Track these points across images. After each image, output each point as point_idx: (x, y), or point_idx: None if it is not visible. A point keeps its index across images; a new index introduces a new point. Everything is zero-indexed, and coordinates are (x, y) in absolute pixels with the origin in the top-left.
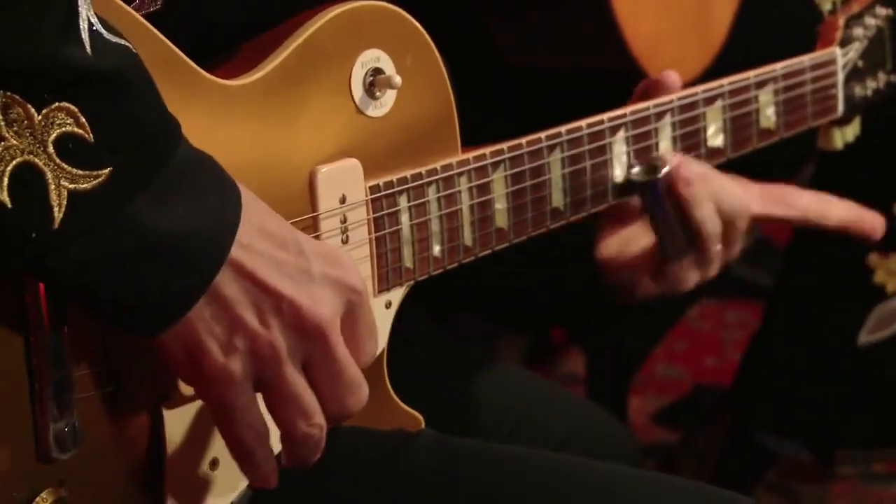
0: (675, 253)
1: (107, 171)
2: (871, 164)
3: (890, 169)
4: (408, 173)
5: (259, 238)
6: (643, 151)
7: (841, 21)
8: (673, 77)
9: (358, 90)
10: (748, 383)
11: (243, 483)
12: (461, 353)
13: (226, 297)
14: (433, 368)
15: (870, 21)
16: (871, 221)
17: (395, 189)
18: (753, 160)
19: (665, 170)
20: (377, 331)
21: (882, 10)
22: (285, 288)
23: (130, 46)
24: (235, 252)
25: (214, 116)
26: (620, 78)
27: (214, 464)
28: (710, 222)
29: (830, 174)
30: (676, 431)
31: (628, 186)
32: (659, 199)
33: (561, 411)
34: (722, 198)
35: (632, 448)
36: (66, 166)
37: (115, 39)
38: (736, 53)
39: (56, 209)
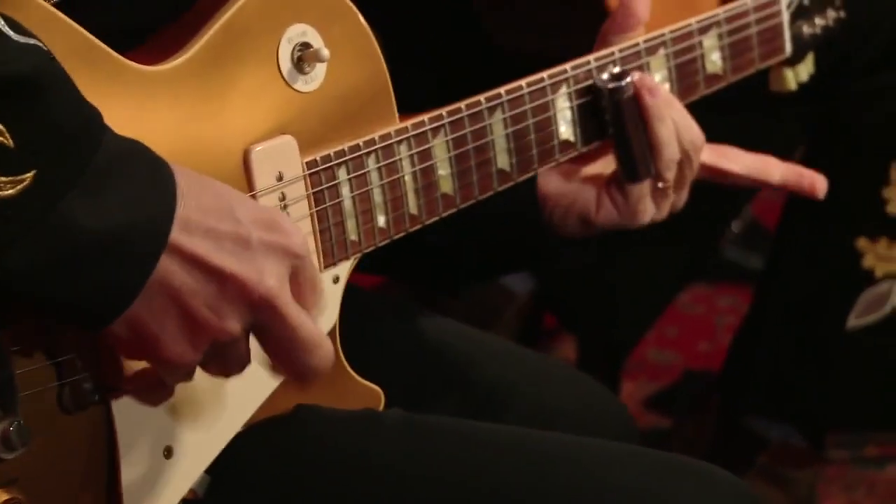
0: (635, 171)
1: (30, 175)
2: (859, 149)
3: (879, 153)
4: (345, 145)
5: (197, 216)
6: (588, 106)
7: None
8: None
9: (286, 66)
10: (738, 368)
11: (200, 469)
12: (450, 327)
13: (172, 285)
14: (420, 343)
15: None
16: (812, 179)
17: (333, 162)
18: (741, 143)
19: (629, 78)
20: (322, 285)
21: None
22: (229, 265)
23: (41, 45)
24: (174, 236)
25: (139, 103)
26: None
27: (169, 452)
28: (669, 145)
29: (820, 158)
30: (668, 417)
31: (592, 92)
32: (622, 108)
33: (552, 383)
34: (682, 125)
35: (625, 419)
36: None
37: (24, 40)
38: None
39: None
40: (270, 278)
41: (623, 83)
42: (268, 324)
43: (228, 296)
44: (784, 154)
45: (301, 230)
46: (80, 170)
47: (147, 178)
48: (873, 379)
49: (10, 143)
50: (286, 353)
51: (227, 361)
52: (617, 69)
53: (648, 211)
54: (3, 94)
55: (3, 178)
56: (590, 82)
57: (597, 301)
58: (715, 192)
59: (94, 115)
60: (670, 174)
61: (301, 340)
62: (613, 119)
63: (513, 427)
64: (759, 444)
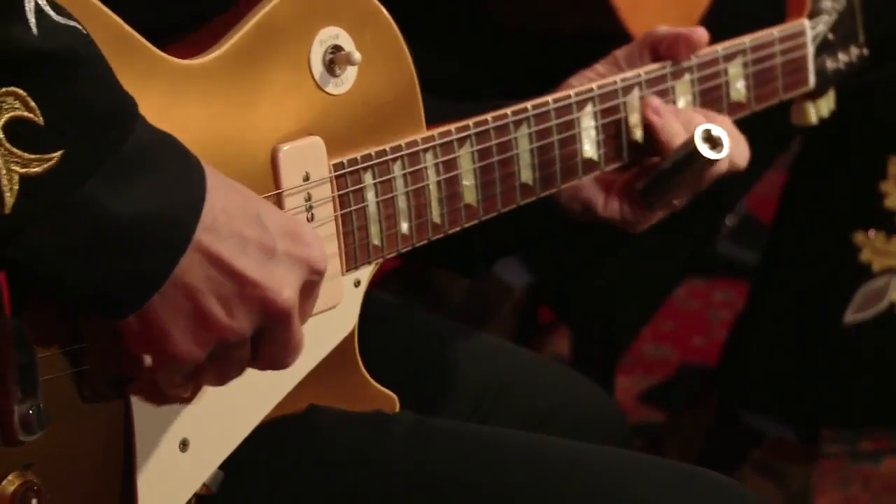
0: (654, 202)
1: (58, 154)
2: (857, 142)
3: (877, 147)
4: (372, 150)
5: (223, 217)
6: (611, 126)
7: None
8: (699, 33)
9: (318, 68)
10: (734, 363)
11: (215, 464)
12: (443, 327)
13: (189, 282)
14: (413, 343)
15: None
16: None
17: (360, 166)
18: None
19: (724, 152)
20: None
21: None
22: (249, 270)
23: (80, 27)
24: (199, 233)
25: (171, 96)
26: (606, 40)
27: (185, 445)
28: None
29: (817, 152)
30: (663, 411)
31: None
32: (692, 165)
33: (545, 382)
34: None
35: (617, 419)
36: (16, 150)
37: (63, 20)
38: (719, 18)
39: (7, 194)
40: (289, 290)
41: (713, 155)
42: (274, 330)
43: (245, 299)
44: (780, 147)
45: (324, 243)
46: (108, 154)
47: (177, 171)
48: (870, 374)
49: (41, 119)
50: (277, 355)
51: (228, 364)
52: (716, 132)
53: (650, 223)
54: (37, 71)
55: (31, 156)
56: (660, 87)
57: (594, 296)
58: (710, 186)
59: (128, 102)
60: (682, 202)
61: (292, 347)
62: (675, 163)
63: (522, 432)
64: (755, 438)
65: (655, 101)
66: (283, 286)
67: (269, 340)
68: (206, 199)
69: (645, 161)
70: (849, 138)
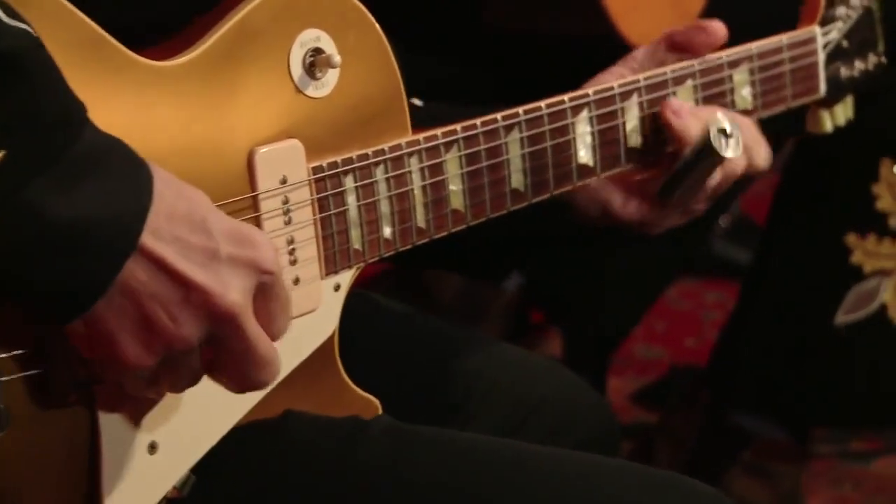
0: (671, 197)
1: (0, 154)
2: (849, 145)
3: (869, 149)
4: (353, 154)
5: (168, 223)
6: (608, 131)
7: (822, 1)
8: (716, 25)
9: (297, 70)
10: (725, 363)
11: (185, 468)
12: (431, 325)
13: (134, 288)
14: (401, 342)
15: (855, 1)
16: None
17: (340, 169)
18: None
19: (737, 152)
20: (290, 305)
21: None
22: (194, 275)
23: (31, 30)
24: (144, 238)
25: (145, 98)
26: (599, 42)
27: (153, 447)
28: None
29: (810, 154)
30: (655, 412)
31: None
32: (702, 158)
33: (532, 377)
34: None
35: (604, 413)
36: None
37: (13, 23)
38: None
39: None
40: (234, 292)
41: (726, 153)
42: (225, 337)
43: (190, 305)
44: (774, 148)
45: (275, 246)
46: (53, 158)
47: (123, 176)
48: (860, 375)
49: None
50: (237, 366)
51: (178, 372)
52: (726, 126)
53: (671, 224)
54: None
55: None
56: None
57: (584, 296)
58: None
59: (76, 108)
60: (703, 206)
61: (254, 356)
62: (689, 160)
63: (500, 438)
64: (745, 439)
65: (676, 103)
66: (229, 289)
67: (226, 349)
68: (152, 204)
69: (663, 161)
70: (841, 140)
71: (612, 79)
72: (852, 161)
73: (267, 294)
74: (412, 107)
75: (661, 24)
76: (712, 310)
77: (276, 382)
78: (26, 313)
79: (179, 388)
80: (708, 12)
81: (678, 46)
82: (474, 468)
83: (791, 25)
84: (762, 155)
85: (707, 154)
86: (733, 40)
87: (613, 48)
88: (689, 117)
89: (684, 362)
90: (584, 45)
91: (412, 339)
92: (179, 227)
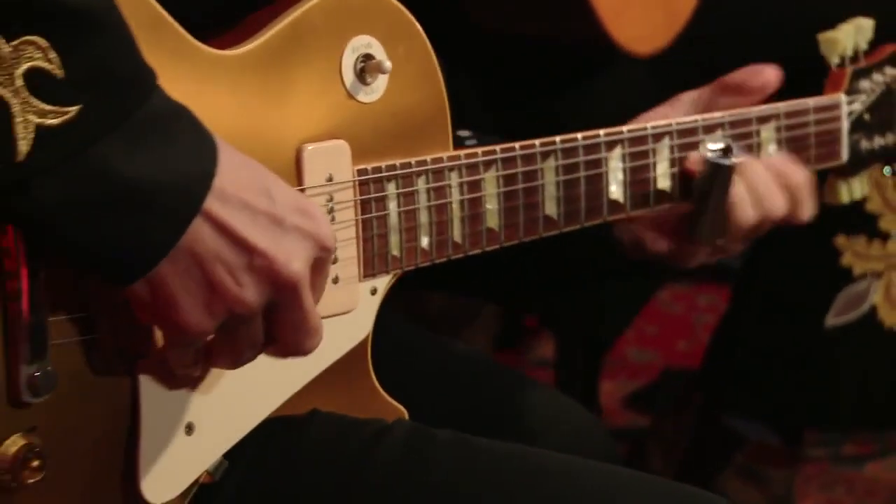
0: (700, 236)
1: (75, 108)
2: None
3: None
4: (397, 161)
5: (233, 188)
6: (639, 171)
7: (848, 72)
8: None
9: (349, 75)
10: (717, 366)
11: (219, 452)
12: (429, 344)
13: (198, 251)
14: (401, 360)
15: (878, 77)
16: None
17: (384, 174)
18: None
19: (734, 158)
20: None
21: (892, 70)
22: (259, 241)
23: None
24: (209, 203)
25: (200, 83)
26: (588, 44)
27: (190, 428)
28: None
29: None
30: (648, 415)
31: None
32: (714, 181)
33: (531, 405)
34: (763, 193)
35: (601, 437)
36: (33, 100)
37: None
38: (705, 26)
39: (21, 142)
40: (298, 262)
41: (727, 162)
42: (284, 305)
43: (254, 270)
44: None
45: (329, 222)
46: (124, 115)
47: (189, 142)
48: (851, 377)
49: (61, 72)
50: (290, 334)
51: (239, 341)
52: (721, 145)
53: (702, 260)
54: (60, 23)
55: (48, 107)
56: (690, 139)
57: (577, 298)
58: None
59: (147, 70)
60: (738, 246)
61: (307, 326)
62: (701, 187)
63: (520, 445)
64: (737, 442)
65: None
66: (293, 258)
67: (282, 319)
68: (216, 171)
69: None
70: None
71: (657, 118)
72: None
73: (319, 269)
74: (458, 138)
75: (651, 28)
76: (704, 313)
77: (308, 378)
78: (89, 273)
79: (240, 359)
80: (698, 15)
81: (730, 91)
82: (495, 473)
83: (784, 32)
84: (775, 201)
85: (715, 172)
86: (726, 49)
87: (604, 51)
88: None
89: (676, 365)
90: (575, 48)
91: (412, 357)
92: (246, 194)
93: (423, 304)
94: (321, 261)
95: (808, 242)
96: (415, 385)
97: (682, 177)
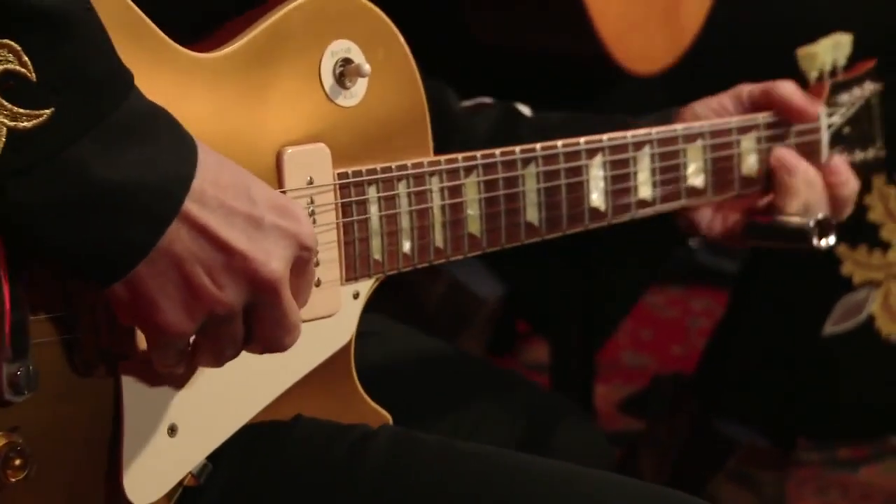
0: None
1: (48, 111)
2: None
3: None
4: (377, 165)
5: (213, 190)
6: (621, 179)
7: (827, 85)
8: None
9: (328, 78)
10: (711, 371)
11: (201, 454)
12: (422, 347)
13: (177, 252)
14: (392, 364)
15: (857, 91)
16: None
17: (364, 178)
18: None
19: (829, 242)
20: (313, 283)
21: (870, 85)
22: (237, 242)
23: None
24: (188, 205)
25: (179, 86)
26: (591, 62)
27: (173, 430)
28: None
29: None
30: (642, 419)
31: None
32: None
33: (525, 407)
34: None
35: (597, 442)
36: (6, 103)
37: None
38: (708, 49)
39: None
40: (277, 261)
41: (821, 243)
42: (263, 304)
43: (233, 270)
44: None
45: (310, 222)
46: (99, 118)
47: (167, 143)
48: (848, 386)
49: (33, 76)
50: (269, 331)
51: (220, 340)
52: (830, 223)
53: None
54: (33, 26)
55: (21, 110)
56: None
57: (568, 298)
58: None
59: (123, 72)
60: None
61: (286, 323)
62: (787, 235)
63: (507, 450)
64: (730, 446)
65: (790, 161)
66: (271, 257)
67: (262, 317)
68: (196, 172)
69: (760, 196)
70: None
71: (712, 110)
72: None
73: (300, 269)
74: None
75: (655, 47)
76: (698, 317)
77: (291, 382)
78: (68, 275)
79: (222, 357)
80: (703, 37)
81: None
82: (482, 479)
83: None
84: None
85: (803, 240)
86: (730, 65)
87: (606, 68)
88: (799, 178)
89: (670, 370)
90: (577, 65)
91: (401, 358)
92: (224, 195)
93: (417, 309)
94: (303, 260)
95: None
96: (405, 389)
97: (665, 181)
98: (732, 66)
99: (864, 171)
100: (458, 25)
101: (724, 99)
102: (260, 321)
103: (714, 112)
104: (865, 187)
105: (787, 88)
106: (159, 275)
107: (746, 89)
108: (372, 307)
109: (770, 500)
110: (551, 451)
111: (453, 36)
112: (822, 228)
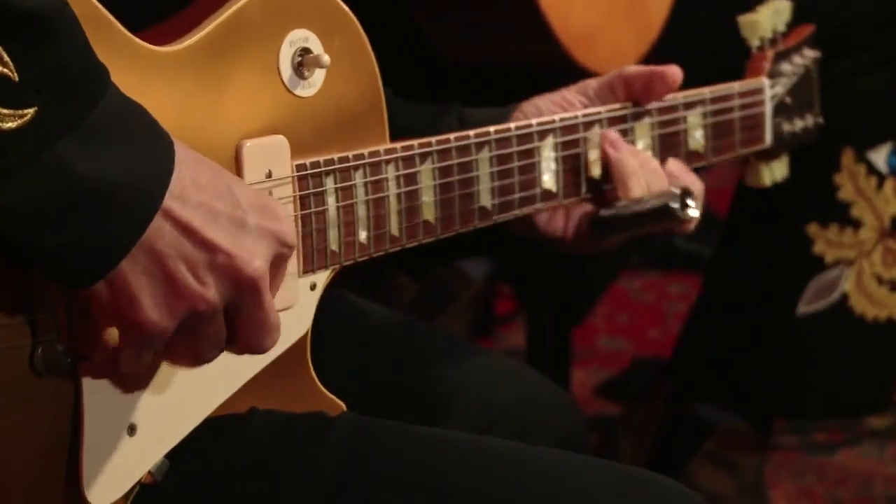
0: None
1: (31, 111)
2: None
3: (831, 140)
4: (335, 155)
5: (193, 188)
6: (571, 159)
7: (769, 55)
8: (673, 71)
9: (286, 69)
10: (687, 355)
11: (161, 452)
12: (398, 323)
13: (159, 249)
14: (368, 341)
15: (797, 60)
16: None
17: (322, 169)
18: None
19: (692, 212)
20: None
21: (810, 52)
22: (220, 240)
23: None
24: (168, 202)
25: (140, 81)
26: (555, 70)
27: (133, 430)
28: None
29: None
30: (619, 404)
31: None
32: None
33: (500, 379)
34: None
35: (573, 414)
36: None
37: None
38: (674, 42)
39: None
40: (260, 260)
41: (687, 212)
42: (245, 303)
43: (216, 267)
44: None
45: (292, 220)
46: (80, 115)
47: (146, 141)
48: (822, 366)
49: (15, 76)
50: (250, 332)
51: (201, 339)
52: (691, 193)
53: (584, 252)
54: (15, 28)
55: (5, 111)
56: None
57: (545, 276)
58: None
59: (100, 69)
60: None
61: (266, 324)
62: (647, 215)
63: (467, 434)
64: (708, 429)
65: (613, 135)
66: (255, 256)
67: (243, 317)
68: (174, 170)
69: (600, 191)
70: None
71: (561, 102)
72: (813, 151)
73: (279, 266)
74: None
75: (622, 43)
76: (675, 302)
77: (250, 375)
78: (47, 274)
79: (203, 358)
80: (666, 36)
81: (634, 93)
82: (442, 460)
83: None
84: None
85: (668, 216)
86: (692, 68)
87: (568, 75)
88: (626, 152)
89: (647, 354)
90: (545, 72)
91: (379, 338)
92: (206, 194)
93: (396, 294)
94: (281, 257)
95: (780, 231)
96: (374, 372)
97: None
98: (707, 48)
99: (803, 141)
100: (423, 45)
101: (568, 93)
102: (241, 321)
103: (558, 106)
104: (835, 166)
105: (633, 66)
106: (142, 272)
107: (593, 82)
108: (338, 283)
109: (748, 483)
110: (530, 431)
111: (420, 56)
112: (683, 199)
